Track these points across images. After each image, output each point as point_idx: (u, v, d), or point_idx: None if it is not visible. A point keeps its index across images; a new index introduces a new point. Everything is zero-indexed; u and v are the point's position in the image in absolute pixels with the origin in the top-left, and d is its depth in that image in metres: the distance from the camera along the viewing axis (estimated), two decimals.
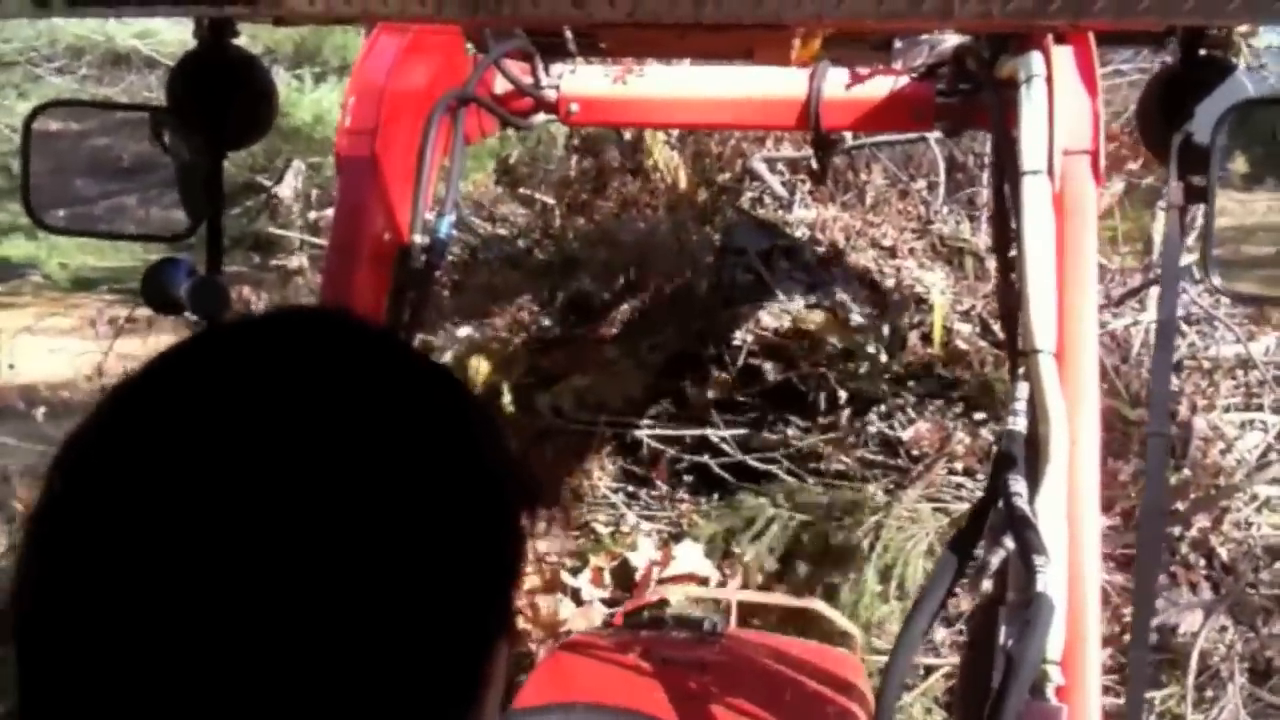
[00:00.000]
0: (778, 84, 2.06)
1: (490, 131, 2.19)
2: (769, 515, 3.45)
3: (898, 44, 2.02)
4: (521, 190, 4.58)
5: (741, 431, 3.71)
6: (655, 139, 4.20)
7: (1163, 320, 1.34)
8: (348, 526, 0.55)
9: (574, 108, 2.09)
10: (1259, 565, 3.39)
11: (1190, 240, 1.77)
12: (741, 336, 3.72)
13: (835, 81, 2.05)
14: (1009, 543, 1.35)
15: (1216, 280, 1.32)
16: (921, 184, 4.25)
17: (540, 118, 2.15)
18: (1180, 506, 3.37)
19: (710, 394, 3.68)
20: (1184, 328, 3.79)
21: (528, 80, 2.07)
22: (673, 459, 3.75)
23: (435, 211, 1.84)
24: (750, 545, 3.40)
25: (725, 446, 3.69)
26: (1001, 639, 1.33)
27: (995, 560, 1.37)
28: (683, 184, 4.19)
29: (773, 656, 2.06)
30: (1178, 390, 3.55)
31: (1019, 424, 1.48)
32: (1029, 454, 1.45)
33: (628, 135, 4.33)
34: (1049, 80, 1.61)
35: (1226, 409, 3.66)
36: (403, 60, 1.82)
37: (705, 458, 3.70)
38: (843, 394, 3.62)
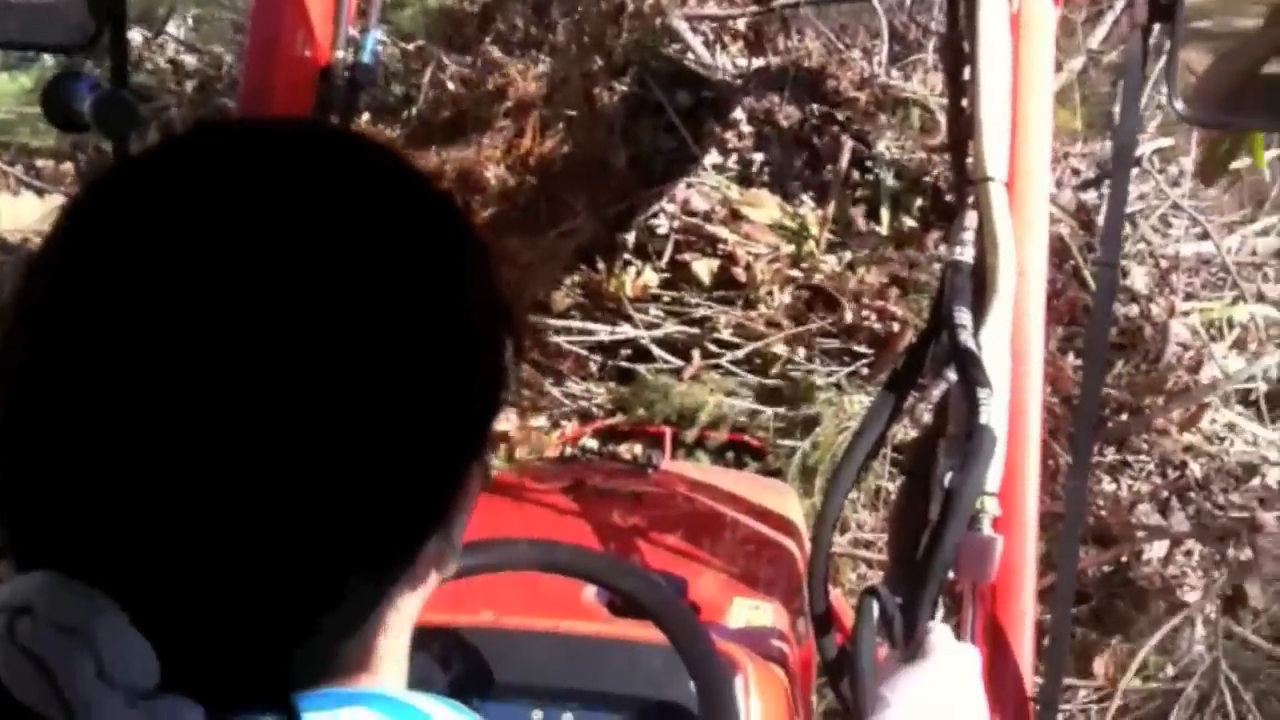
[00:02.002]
0: None
1: None
2: (708, 403, 3.08)
3: None
4: (390, 24, 3.98)
5: (672, 330, 3.28)
6: None
7: (1119, 145, 1.30)
8: (330, 328, 0.56)
9: None
10: (1228, 486, 3.20)
11: None
12: (667, 223, 3.31)
13: None
14: (951, 375, 1.33)
15: (1179, 105, 1.27)
16: (858, 53, 3.92)
17: None
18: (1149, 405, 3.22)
19: (630, 294, 3.27)
20: (1139, 222, 3.54)
21: None
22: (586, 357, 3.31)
23: (359, 27, 1.73)
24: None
25: (653, 349, 3.27)
26: (940, 471, 1.32)
27: (937, 393, 1.35)
28: (590, 24, 3.69)
29: (708, 488, 2.06)
30: (1154, 288, 3.38)
31: (965, 254, 1.45)
32: (974, 285, 1.42)
33: None
34: None
35: (1188, 313, 3.42)
36: None
37: (627, 358, 3.28)
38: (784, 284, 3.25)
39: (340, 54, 1.69)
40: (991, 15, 1.47)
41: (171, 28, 5.53)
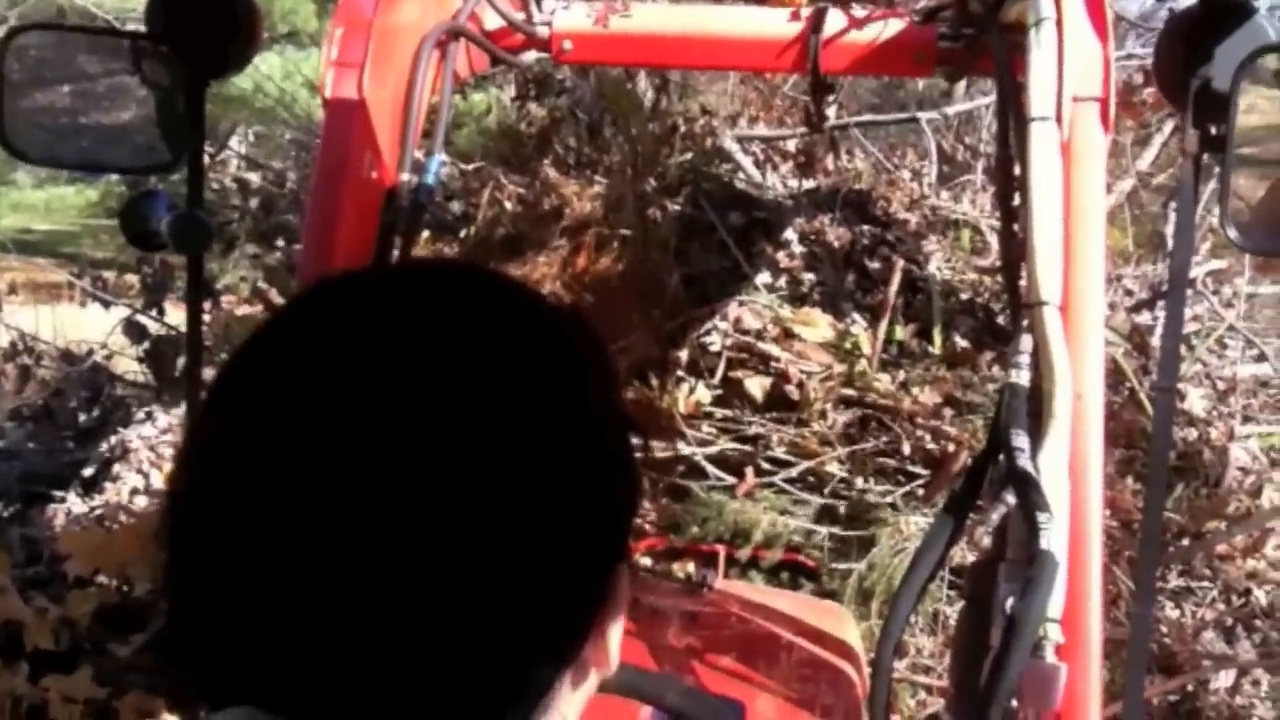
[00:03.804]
0: (777, 25, 2.01)
1: (481, 70, 2.13)
2: (761, 521, 3.10)
3: None
4: (449, 143, 4.09)
5: (725, 447, 3.28)
6: (622, 93, 3.83)
7: (1174, 271, 1.31)
8: (490, 459, 0.60)
9: (567, 45, 2.03)
10: None
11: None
12: (719, 341, 3.33)
13: (834, 24, 2.00)
14: (1010, 499, 1.32)
15: (1233, 233, 1.28)
16: (907, 174, 4.01)
17: (532, 55, 2.09)
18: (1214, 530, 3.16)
19: (683, 410, 3.29)
20: (1194, 344, 3.54)
21: (519, 16, 2.01)
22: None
23: (423, 151, 1.78)
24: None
25: (707, 466, 3.27)
26: (1001, 596, 1.30)
27: (996, 516, 1.34)
28: (644, 145, 3.75)
29: (764, 609, 2.04)
30: (1212, 411, 3.34)
31: (1021, 377, 1.44)
32: (1031, 409, 1.41)
33: (576, 89, 3.89)
34: (1058, 24, 1.56)
35: (1248, 436, 3.39)
36: None
37: (680, 475, 3.27)
38: (837, 403, 3.22)
39: (405, 176, 1.74)
40: (1043, 143, 1.49)
41: (234, 143, 5.68)
